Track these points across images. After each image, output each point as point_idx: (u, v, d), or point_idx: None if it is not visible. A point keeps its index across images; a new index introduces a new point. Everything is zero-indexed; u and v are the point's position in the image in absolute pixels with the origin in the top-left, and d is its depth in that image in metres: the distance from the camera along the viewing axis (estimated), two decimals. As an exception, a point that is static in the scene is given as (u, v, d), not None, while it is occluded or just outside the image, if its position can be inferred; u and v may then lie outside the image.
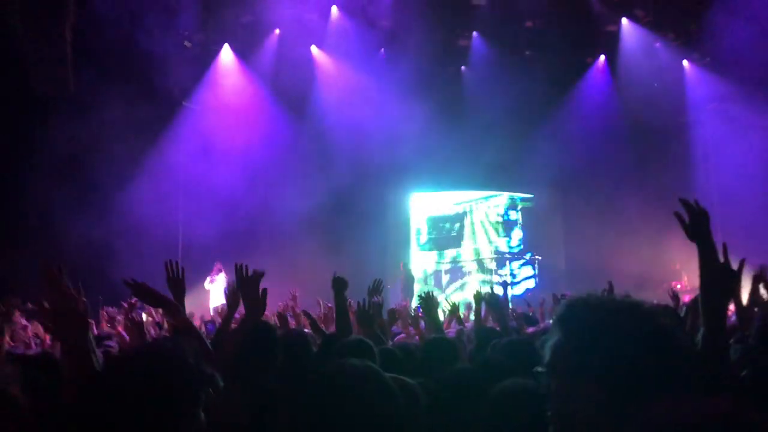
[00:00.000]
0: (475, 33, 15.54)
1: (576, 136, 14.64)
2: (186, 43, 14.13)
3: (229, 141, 13.79)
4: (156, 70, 13.20)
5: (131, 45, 12.68)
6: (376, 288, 4.98)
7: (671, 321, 1.39)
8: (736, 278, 2.87)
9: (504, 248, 16.84)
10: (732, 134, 13.54)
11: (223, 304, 11.17)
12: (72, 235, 10.53)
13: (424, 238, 16.88)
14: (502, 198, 17.00)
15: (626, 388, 1.27)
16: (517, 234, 16.88)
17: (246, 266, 3.17)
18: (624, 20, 15.04)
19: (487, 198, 16.93)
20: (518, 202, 16.97)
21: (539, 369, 1.43)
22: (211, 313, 11.37)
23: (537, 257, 16.64)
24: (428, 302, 5.40)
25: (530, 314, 7.59)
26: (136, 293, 2.92)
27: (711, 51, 14.26)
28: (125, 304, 5.90)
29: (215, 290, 12.85)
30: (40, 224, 11.45)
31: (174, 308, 2.94)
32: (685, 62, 15.24)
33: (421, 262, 16.65)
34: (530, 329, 5.58)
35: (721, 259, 2.63)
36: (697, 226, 2.50)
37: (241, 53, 14.69)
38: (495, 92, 14.87)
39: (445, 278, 16.46)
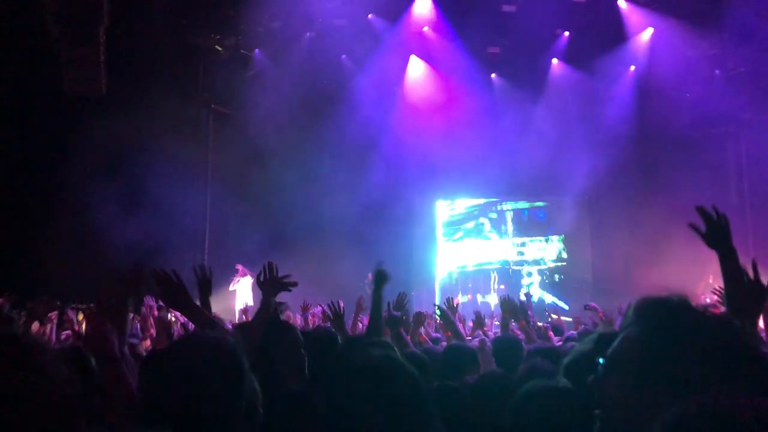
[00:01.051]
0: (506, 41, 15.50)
1: (606, 144, 14.46)
2: (217, 47, 14.30)
3: (263, 144, 13.88)
4: (188, 72, 13.43)
5: (164, 47, 12.89)
6: (400, 302, 4.97)
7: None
8: (766, 294, 2.80)
9: (530, 255, 16.68)
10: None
11: (248, 305, 11.29)
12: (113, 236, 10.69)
13: (450, 240, 16.76)
14: (531, 204, 16.86)
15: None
16: (544, 242, 16.71)
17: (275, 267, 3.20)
18: (650, 29, 14.89)
19: (514, 203, 16.77)
20: (545, 208, 16.81)
21: (600, 360, 1.36)
22: (237, 316, 11.46)
23: (562, 263, 16.48)
24: (445, 316, 5.40)
25: (556, 324, 7.53)
26: (163, 289, 2.92)
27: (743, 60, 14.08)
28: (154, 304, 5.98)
29: (240, 292, 12.94)
30: (79, 224, 11.66)
31: (195, 311, 2.95)
32: (717, 72, 15.03)
33: (446, 265, 16.55)
34: (556, 339, 5.53)
35: (751, 275, 2.59)
36: (715, 233, 2.46)
37: (272, 58, 14.78)
38: (524, 100, 14.85)
39: (470, 282, 16.33)
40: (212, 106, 14.46)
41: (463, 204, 16.84)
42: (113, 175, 11.64)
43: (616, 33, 14.77)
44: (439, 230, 16.76)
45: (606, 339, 1.86)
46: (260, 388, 1.90)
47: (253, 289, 12.67)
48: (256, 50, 14.71)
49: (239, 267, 13.20)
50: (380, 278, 4.10)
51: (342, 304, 4.65)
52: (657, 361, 1.24)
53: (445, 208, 16.84)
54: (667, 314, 1.29)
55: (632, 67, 15.43)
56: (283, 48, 14.47)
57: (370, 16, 14.67)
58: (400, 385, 1.50)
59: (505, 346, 4.16)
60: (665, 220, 13.65)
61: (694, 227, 2.49)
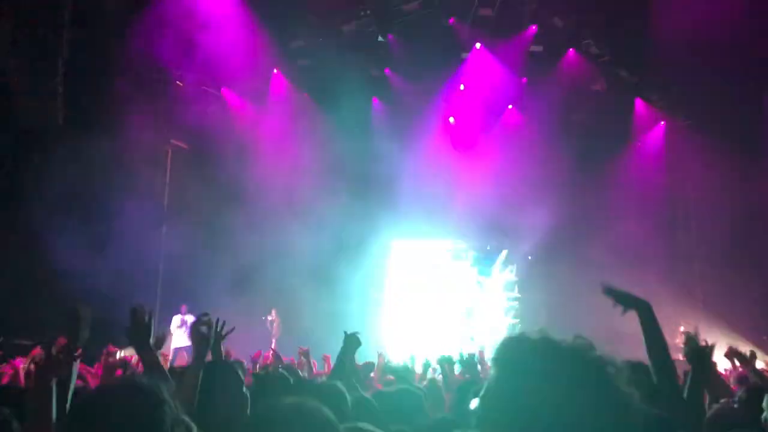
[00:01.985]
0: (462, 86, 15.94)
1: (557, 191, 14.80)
2: (178, 82, 14.30)
3: (223, 181, 13.83)
4: (148, 106, 13.34)
5: (125, 81, 12.82)
6: (353, 341, 5.00)
7: (631, 376, 1.25)
8: (705, 357, 3.02)
9: (483, 299, 16.69)
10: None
11: (186, 346, 11.19)
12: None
13: (400, 284, 16.66)
14: (484, 251, 16.92)
15: None
16: (498, 286, 16.75)
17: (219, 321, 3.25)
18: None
19: (466, 249, 16.82)
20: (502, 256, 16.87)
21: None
22: (171, 355, 11.36)
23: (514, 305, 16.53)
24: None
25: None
26: (133, 325, 2.91)
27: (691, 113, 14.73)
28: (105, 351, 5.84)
29: (177, 333, 12.79)
30: (29, 259, 11.34)
31: (149, 355, 2.96)
32: (662, 123, 15.70)
33: (396, 309, 16.41)
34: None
35: (700, 342, 2.97)
36: (622, 300, 2.78)
37: (238, 94, 14.88)
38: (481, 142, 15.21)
39: (420, 328, 16.11)
40: (171, 141, 14.36)
41: (418, 245, 16.82)
42: (67, 209, 11.37)
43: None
44: (391, 271, 16.66)
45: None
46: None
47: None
48: (220, 87, 14.77)
49: (183, 307, 13.07)
50: (350, 343, 4.38)
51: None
52: (510, 402, 1.21)
53: (401, 248, 16.79)
54: (520, 353, 1.26)
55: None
56: (249, 85, 14.56)
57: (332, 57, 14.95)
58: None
59: (463, 387, 4.20)
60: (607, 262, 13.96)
61: (609, 295, 2.76)
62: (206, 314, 3.19)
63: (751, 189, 13.26)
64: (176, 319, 13.05)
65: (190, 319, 13.09)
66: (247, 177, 14.15)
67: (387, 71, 15.63)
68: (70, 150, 11.16)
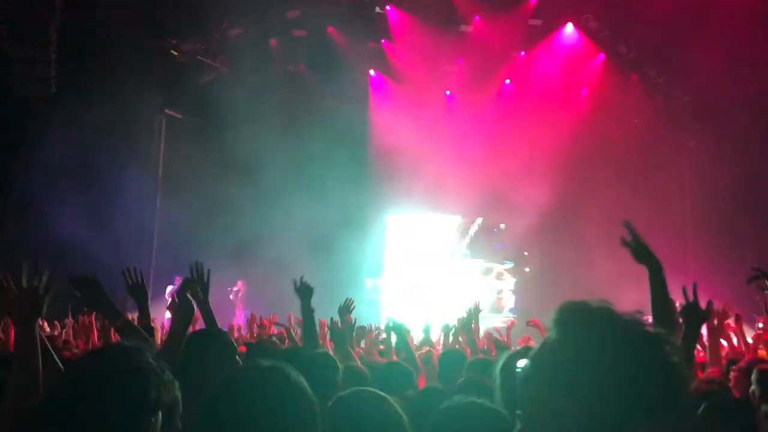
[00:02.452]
0: (460, 59, 15.79)
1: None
2: (173, 51, 14.14)
3: (217, 151, 13.76)
4: (142, 76, 13.21)
5: (118, 49, 12.66)
6: (347, 307, 5.03)
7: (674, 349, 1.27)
8: (699, 317, 2.99)
9: (483, 271, 16.80)
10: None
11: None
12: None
13: (400, 256, 16.72)
14: (481, 222, 16.97)
15: (611, 415, 1.16)
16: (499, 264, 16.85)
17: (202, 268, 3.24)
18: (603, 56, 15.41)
19: (466, 221, 16.86)
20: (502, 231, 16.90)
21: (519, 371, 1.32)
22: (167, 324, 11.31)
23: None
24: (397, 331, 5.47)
25: (501, 341, 7.62)
26: (79, 290, 2.86)
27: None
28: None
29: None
30: (23, 227, 11.32)
31: (112, 313, 2.89)
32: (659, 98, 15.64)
33: (396, 280, 16.50)
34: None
35: (690, 298, 2.86)
36: (641, 249, 2.63)
37: (231, 65, 14.70)
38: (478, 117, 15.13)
39: (420, 297, 16.26)
40: (166, 110, 14.25)
41: (415, 219, 16.83)
42: (61, 178, 11.32)
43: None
44: (390, 245, 16.70)
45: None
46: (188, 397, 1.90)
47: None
48: (214, 57, 14.59)
49: (177, 279, 13.06)
50: (304, 293, 4.21)
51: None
52: (570, 366, 1.21)
53: (398, 223, 16.83)
54: (583, 319, 1.27)
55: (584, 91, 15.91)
56: (243, 55, 14.37)
57: (329, 28, 14.75)
58: (278, 398, 1.47)
59: (448, 361, 4.22)
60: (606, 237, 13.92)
61: (625, 243, 2.64)
62: (192, 280, 3.16)
63: (750, 161, 13.25)
64: (169, 290, 13.04)
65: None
66: (242, 148, 14.06)
67: (384, 43, 15.45)
68: (63, 119, 11.07)
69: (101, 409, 1.52)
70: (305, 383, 1.51)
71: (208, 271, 3.32)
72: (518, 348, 2.39)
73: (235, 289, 14.24)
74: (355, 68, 15.30)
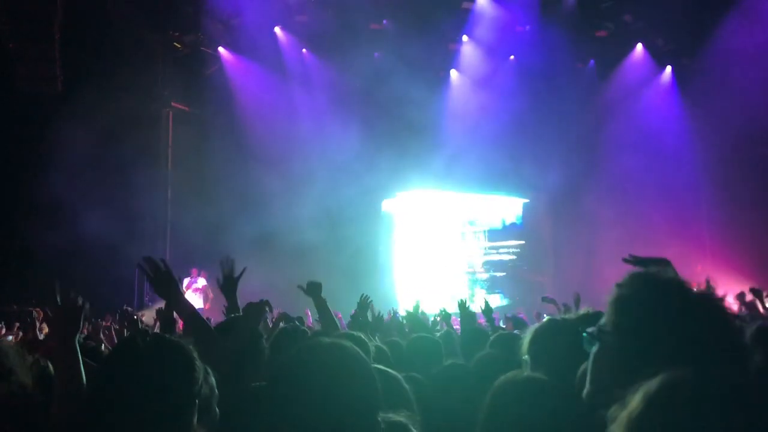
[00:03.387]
0: (465, 37, 15.63)
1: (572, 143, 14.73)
2: (176, 44, 14.12)
3: (225, 142, 13.76)
4: (147, 70, 13.21)
5: (122, 44, 12.66)
6: (365, 303, 5.02)
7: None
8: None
9: (494, 256, 16.72)
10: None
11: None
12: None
13: (408, 241, 16.53)
14: (495, 202, 16.88)
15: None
16: (508, 242, 16.77)
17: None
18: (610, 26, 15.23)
19: (481, 201, 16.75)
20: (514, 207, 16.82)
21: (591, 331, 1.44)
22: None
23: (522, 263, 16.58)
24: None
25: (518, 318, 7.65)
26: (151, 278, 2.82)
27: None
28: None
29: (192, 296, 12.83)
30: (33, 222, 11.39)
31: (183, 304, 2.86)
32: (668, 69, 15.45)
33: (407, 265, 16.39)
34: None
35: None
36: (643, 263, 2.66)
37: (235, 54, 14.66)
38: (484, 96, 15.00)
39: (432, 283, 16.15)
40: (172, 103, 14.25)
41: (424, 199, 16.64)
42: (71, 174, 11.36)
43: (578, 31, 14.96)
44: (398, 228, 16.55)
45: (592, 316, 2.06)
46: (222, 387, 1.92)
47: (203, 292, 12.90)
48: (219, 47, 14.55)
49: (194, 271, 13.10)
50: (313, 289, 4.16)
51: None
52: (647, 331, 1.32)
53: (405, 205, 16.61)
54: (660, 287, 1.38)
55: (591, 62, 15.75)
56: (246, 45, 14.30)
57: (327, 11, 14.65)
58: (349, 365, 1.49)
59: (471, 336, 4.22)
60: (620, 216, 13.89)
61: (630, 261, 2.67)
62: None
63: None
64: (187, 282, 13.05)
65: (201, 282, 13.17)
66: (249, 137, 14.08)
67: (386, 23, 15.31)
68: (69, 116, 11.10)
69: (150, 400, 1.56)
70: (364, 356, 1.54)
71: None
72: (542, 322, 2.39)
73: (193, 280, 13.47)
74: (363, 52, 15.24)
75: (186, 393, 1.61)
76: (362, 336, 3.04)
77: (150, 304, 12.35)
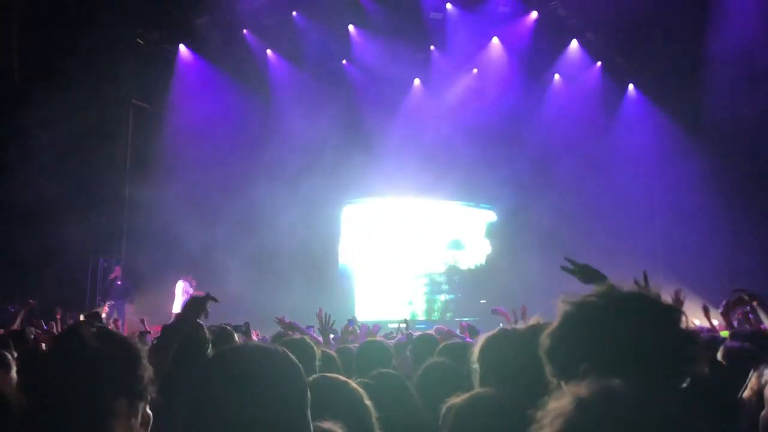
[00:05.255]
0: (432, 47, 15.76)
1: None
2: (139, 40, 13.89)
3: (185, 141, 13.58)
4: (106, 67, 12.96)
5: (82, 39, 12.39)
6: (328, 324, 5.15)
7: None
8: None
9: (454, 264, 16.72)
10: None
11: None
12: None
13: (368, 248, 16.30)
14: (455, 208, 16.90)
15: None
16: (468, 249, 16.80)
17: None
18: (574, 42, 15.52)
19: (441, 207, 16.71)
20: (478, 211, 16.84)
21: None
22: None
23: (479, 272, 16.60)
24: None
25: (474, 326, 7.69)
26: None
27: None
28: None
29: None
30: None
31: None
32: (630, 86, 15.79)
33: (367, 273, 16.14)
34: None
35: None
36: (585, 272, 2.71)
37: (197, 53, 14.49)
38: (447, 106, 15.17)
39: (391, 291, 16.08)
40: (133, 100, 14.02)
41: (379, 207, 16.45)
42: (26, 169, 11.05)
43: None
44: (351, 237, 16.30)
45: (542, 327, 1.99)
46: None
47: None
48: (181, 45, 14.37)
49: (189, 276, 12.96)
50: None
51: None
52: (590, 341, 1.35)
53: (359, 213, 16.43)
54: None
55: (557, 76, 16.01)
56: (209, 44, 14.15)
57: (294, 13, 14.60)
58: (270, 370, 1.41)
59: (421, 343, 4.25)
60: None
61: (567, 270, 2.70)
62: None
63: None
64: (181, 284, 12.86)
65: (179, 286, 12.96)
66: (207, 140, 13.92)
67: (354, 29, 15.32)
68: (27, 110, 10.81)
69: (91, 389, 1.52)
70: (295, 361, 1.47)
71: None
72: (492, 332, 2.42)
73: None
74: (333, 58, 15.24)
75: (129, 386, 1.57)
76: (308, 340, 3.02)
77: (102, 304, 12.12)
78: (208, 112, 14.23)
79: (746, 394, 2.38)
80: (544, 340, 1.45)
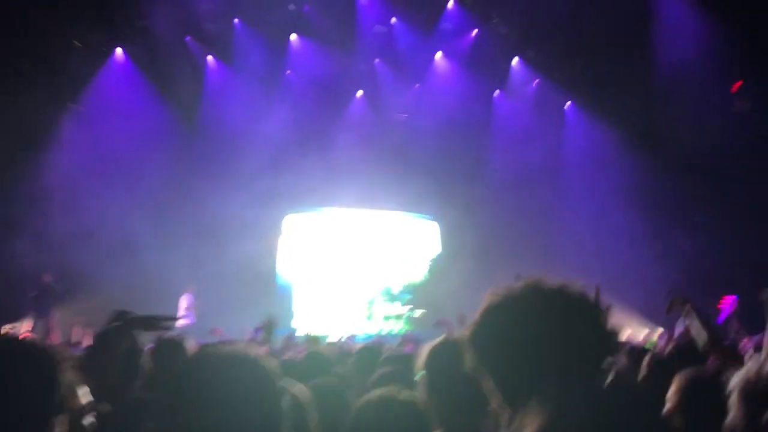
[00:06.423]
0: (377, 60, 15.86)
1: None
2: (76, 42, 13.48)
3: (112, 147, 13.21)
4: (43, 68, 12.52)
5: (16, 39, 11.95)
6: (270, 329, 5.07)
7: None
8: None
9: (398, 275, 16.65)
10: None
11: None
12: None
13: (310, 259, 16.02)
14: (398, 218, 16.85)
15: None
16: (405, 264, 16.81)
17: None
18: (516, 58, 15.90)
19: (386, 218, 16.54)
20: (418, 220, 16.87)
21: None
22: None
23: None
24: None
25: (416, 337, 7.76)
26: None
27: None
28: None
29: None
30: None
31: None
32: (568, 102, 16.26)
33: (302, 287, 15.80)
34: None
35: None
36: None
37: (134, 57, 14.13)
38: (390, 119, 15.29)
39: (333, 304, 15.69)
40: (68, 103, 13.58)
41: (321, 218, 16.22)
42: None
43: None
44: (292, 248, 15.97)
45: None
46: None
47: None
48: (118, 48, 14.02)
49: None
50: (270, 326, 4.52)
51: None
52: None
53: (300, 223, 16.12)
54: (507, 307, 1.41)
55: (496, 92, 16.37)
56: (149, 48, 13.84)
57: (236, 20, 14.46)
58: (248, 376, 1.41)
59: (364, 353, 4.23)
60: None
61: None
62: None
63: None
64: (185, 298, 12.87)
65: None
66: (139, 147, 13.58)
67: (298, 38, 15.27)
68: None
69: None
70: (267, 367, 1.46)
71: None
72: (436, 342, 2.43)
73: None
74: (275, 67, 15.12)
75: (38, 399, 1.49)
76: (251, 355, 2.96)
77: (27, 316, 11.63)
78: (141, 118, 13.91)
79: (668, 405, 2.44)
80: (468, 327, 1.47)
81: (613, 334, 1.42)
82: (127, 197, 12.91)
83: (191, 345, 3.84)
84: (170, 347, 3.12)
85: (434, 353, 2.30)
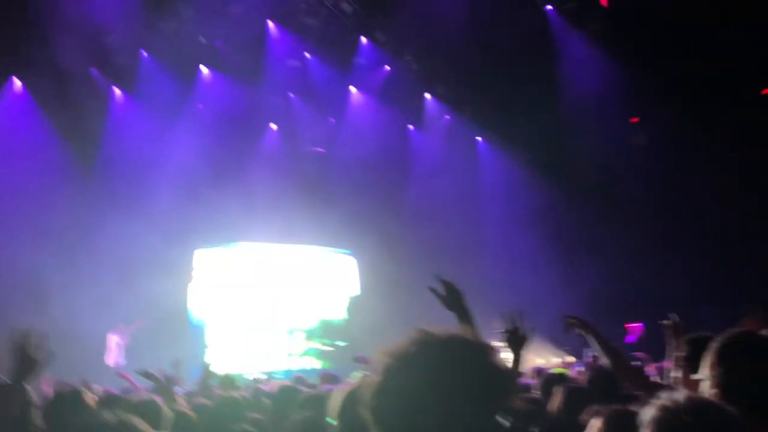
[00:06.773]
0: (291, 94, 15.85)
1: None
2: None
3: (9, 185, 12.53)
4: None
5: None
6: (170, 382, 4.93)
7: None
8: (520, 341, 3.13)
9: (315, 312, 16.32)
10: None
11: None
12: None
13: (223, 295, 15.37)
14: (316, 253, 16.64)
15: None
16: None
17: None
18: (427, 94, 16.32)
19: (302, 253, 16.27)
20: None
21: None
22: None
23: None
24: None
25: (333, 374, 7.64)
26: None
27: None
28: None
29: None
30: None
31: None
32: (478, 138, 16.75)
33: (214, 324, 15.12)
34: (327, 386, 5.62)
35: (512, 324, 3.05)
36: (452, 299, 2.78)
37: (33, 89, 13.51)
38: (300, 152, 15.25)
39: (248, 341, 15.13)
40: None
41: (235, 253, 15.68)
42: None
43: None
44: (202, 284, 15.31)
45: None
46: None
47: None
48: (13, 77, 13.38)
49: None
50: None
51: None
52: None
53: (211, 258, 15.53)
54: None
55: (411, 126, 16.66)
56: (51, 79, 13.25)
57: (143, 52, 14.13)
58: None
59: (282, 395, 4.13)
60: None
61: (434, 291, 2.77)
62: None
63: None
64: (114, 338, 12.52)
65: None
66: (41, 181, 12.95)
67: (210, 71, 15.07)
68: None
69: None
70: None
71: None
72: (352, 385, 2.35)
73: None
74: (184, 99, 14.80)
75: None
76: (156, 401, 2.83)
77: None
78: (41, 153, 13.26)
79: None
80: (370, 399, 1.43)
81: (510, 372, 1.49)
82: (28, 237, 12.19)
83: (93, 394, 3.62)
84: (67, 402, 2.90)
85: (347, 401, 2.22)
